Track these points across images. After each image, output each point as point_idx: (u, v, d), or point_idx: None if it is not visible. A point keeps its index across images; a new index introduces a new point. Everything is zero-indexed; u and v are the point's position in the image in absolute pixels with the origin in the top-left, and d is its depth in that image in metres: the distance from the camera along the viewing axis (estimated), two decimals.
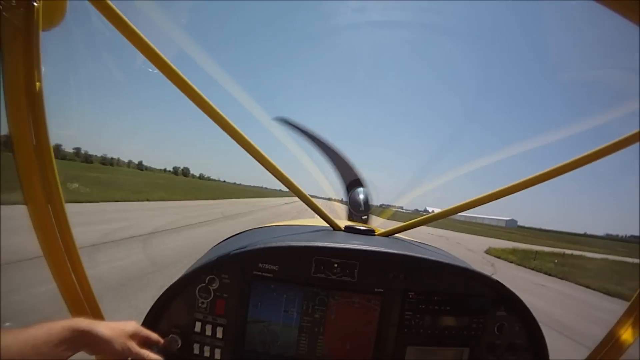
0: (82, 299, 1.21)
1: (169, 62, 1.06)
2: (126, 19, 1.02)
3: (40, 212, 1.10)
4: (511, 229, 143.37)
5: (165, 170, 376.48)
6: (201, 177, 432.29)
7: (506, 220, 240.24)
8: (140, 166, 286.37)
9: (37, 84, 0.99)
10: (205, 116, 1.13)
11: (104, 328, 0.88)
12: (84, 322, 0.85)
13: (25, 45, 0.95)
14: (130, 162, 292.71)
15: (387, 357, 1.16)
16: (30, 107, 0.99)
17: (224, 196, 52.10)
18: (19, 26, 0.94)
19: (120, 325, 0.94)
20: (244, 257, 1.14)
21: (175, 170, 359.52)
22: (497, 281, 1.18)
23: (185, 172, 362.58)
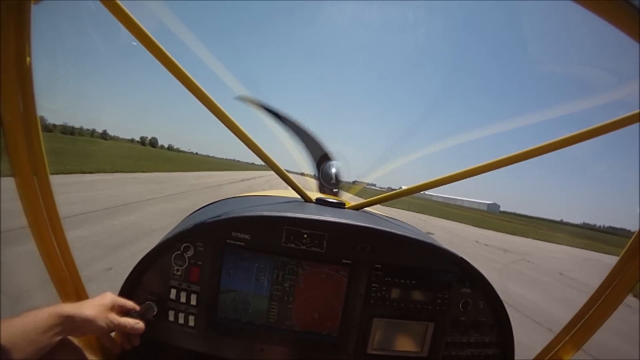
0: (64, 269, 1.22)
1: (146, 31, 1.05)
2: None
3: (27, 183, 1.10)
4: (494, 214, 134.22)
5: (132, 140, 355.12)
6: (170, 148, 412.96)
7: (488, 204, 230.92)
8: (104, 135, 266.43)
9: (28, 58, 1.01)
10: (183, 88, 1.13)
11: (87, 308, 0.93)
12: (68, 307, 0.90)
13: (18, 20, 0.96)
14: (93, 130, 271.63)
15: (354, 328, 1.20)
16: (20, 80, 1.00)
17: (164, 168, 36.26)
18: (11, 1, 0.94)
19: (98, 301, 0.99)
20: (217, 225, 1.16)
21: (143, 140, 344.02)
22: (462, 258, 1.22)
23: (153, 143, 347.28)
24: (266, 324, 1.18)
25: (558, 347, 1.25)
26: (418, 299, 1.20)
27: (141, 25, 1.04)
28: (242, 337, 1.18)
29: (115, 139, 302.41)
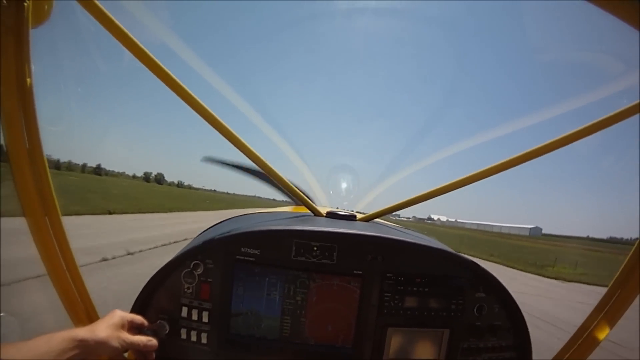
0: (81, 306, 1.23)
1: (156, 59, 1.08)
2: (112, 16, 1.03)
3: (39, 224, 1.11)
4: (539, 239, 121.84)
5: (134, 176, 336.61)
6: (180, 185, 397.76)
7: (529, 229, 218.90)
8: (97, 170, 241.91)
9: (28, 80, 1.01)
10: (197, 118, 1.14)
11: (99, 330, 0.92)
12: (81, 331, 0.89)
13: (17, 44, 0.97)
14: (85, 165, 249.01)
15: (369, 339, 1.18)
16: (22, 106, 1.00)
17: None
18: (10, 25, 0.95)
19: (108, 321, 0.98)
20: (226, 242, 1.16)
21: (147, 176, 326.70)
22: (474, 262, 1.20)
23: (159, 179, 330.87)
24: (279, 338, 1.19)
25: (573, 348, 1.28)
26: (432, 306, 1.20)
27: (145, 49, 1.06)
28: (255, 353, 1.17)
29: (112, 174, 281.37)
